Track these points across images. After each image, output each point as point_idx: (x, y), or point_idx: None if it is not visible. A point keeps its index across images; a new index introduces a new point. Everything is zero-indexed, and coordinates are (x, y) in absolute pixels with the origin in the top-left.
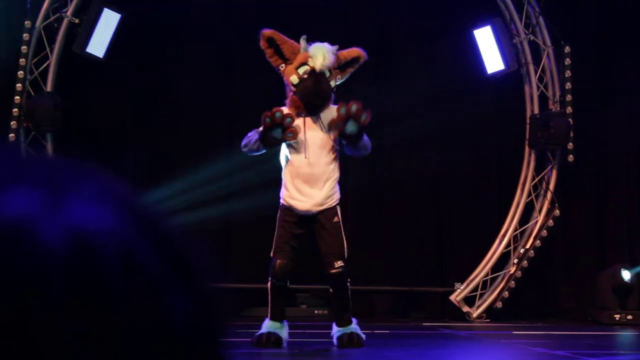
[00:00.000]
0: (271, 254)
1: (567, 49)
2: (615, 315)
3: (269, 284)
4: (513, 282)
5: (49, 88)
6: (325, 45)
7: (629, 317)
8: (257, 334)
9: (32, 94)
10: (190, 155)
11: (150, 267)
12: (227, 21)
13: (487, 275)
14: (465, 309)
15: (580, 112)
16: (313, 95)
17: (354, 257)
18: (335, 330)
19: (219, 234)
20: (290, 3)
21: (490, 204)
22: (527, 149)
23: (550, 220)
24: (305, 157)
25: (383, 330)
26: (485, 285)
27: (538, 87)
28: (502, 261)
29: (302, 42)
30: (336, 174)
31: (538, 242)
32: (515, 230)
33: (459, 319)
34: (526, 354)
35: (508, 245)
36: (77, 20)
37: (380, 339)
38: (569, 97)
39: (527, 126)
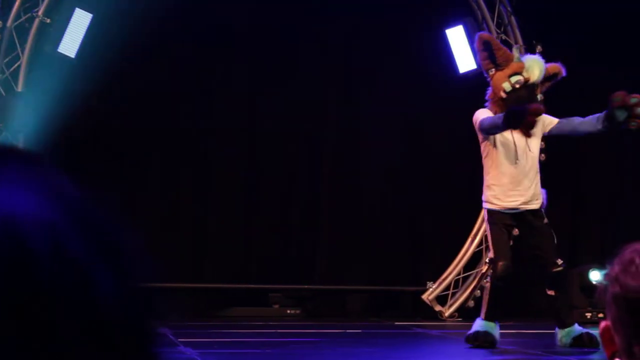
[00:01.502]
0: (491, 256)
1: (539, 48)
2: (587, 314)
3: (489, 284)
4: (485, 281)
5: (20, 88)
6: (540, 59)
7: (600, 315)
8: (471, 332)
9: (3, 94)
10: (163, 153)
11: (78, 251)
12: (203, 19)
13: (459, 274)
14: (438, 308)
15: (552, 111)
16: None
17: (328, 257)
18: (563, 334)
19: (195, 235)
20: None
21: (462, 203)
22: None
23: None
24: (517, 161)
25: (356, 329)
26: (457, 284)
27: None
28: (474, 260)
29: (516, 51)
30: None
31: (510, 241)
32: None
33: (432, 318)
34: (497, 352)
35: (480, 244)
36: (48, 20)
37: (353, 339)
38: (540, 96)
39: None
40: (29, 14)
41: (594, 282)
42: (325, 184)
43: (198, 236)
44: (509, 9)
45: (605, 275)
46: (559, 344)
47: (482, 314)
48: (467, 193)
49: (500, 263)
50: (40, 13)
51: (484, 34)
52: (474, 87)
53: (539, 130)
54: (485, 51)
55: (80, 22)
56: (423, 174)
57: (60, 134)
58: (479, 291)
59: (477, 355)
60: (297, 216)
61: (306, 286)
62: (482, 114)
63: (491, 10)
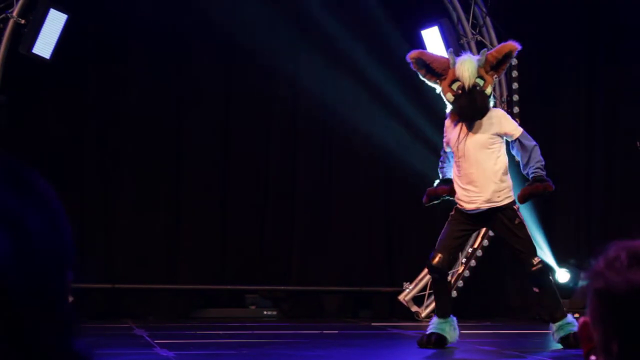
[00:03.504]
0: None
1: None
2: None
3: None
4: (461, 281)
5: None
6: (469, 58)
7: (576, 315)
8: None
9: None
10: (137, 155)
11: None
12: (178, 18)
13: None
14: (414, 308)
15: (526, 112)
16: (470, 113)
17: (304, 258)
18: (555, 329)
19: (170, 237)
20: None
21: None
22: None
23: None
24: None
25: (332, 330)
26: None
27: None
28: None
29: (450, 56)
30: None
31: (486, 242)
32: None
33: (408, 319)
34: (474, 352)
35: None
36: (23, 21)
37: (329, 339)
38: (515, 97)
39: None
40: (4, 15)
41: (563, 283)
42: (300, 184)
43: (173, 238)
44: (484, 9)
45: (589, 271)
46: (553, 339)
47: (435, 312)
48: None
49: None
50: (14, 14)
51: (413, 53)
52: None
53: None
54: (422, 68)
55: (55, 22)
56: (399, 174)
57: (35, 135)
58: (455, 292)
59: (453, 355)
60: (272, 217)
61: (282, 287)
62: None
63: (466, 11)
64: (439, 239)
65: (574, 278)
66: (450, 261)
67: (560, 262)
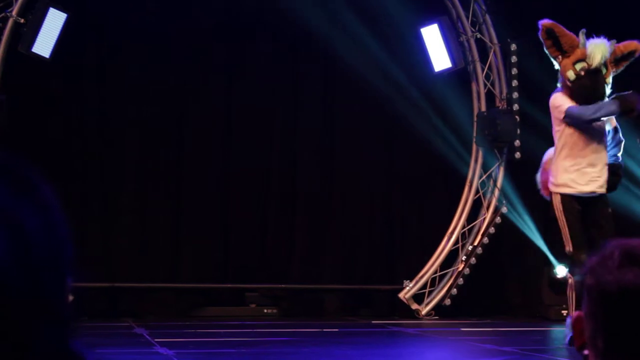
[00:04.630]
0: (569, 249)
1: (513, 47)
2: (563, 312)
3: (572, 280)
4: (461, 279)
5: None
6: (604, 42)
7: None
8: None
9: None
10: (139, 156)
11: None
12: (174, 19)
13: (435, 272)
14: (414, 306)
15: (527, 110)
16: (591, 95)
17: (304, 256)
18: None
19: (171, 236)
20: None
21: (439, 202)
22: (474, 146)
23: (498, 217)
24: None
25: (333, 328)
26: (433, 282)
27: (485, 85)
28: (451, 258)
29: (581, 36)
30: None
31: (486, 239)
32: (463, 227)
33: (408, 317)
34: (474, 350)
35: (456, 242)
36: (22, 20)
37: (330, 337)
38: (515, 95)
39: (474, 124)
40: (3, 14)
41: (560, 278)
42: (301, 183)
43: (174, 236)
44: (483, 7)
45: (583, 268)
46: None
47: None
48: (444, 192)
49: (582, 256)
50: (14, 13)
51: (546, 22)
52: (450, 86)
53: None
54: (550, 39)
55: (54, 22)
56: (399, 172)
57: (35, 134)
58: (455, 289)
59: (453, 353)
60: (273, 216)
61: (283, 285)
62: (562, 100)
63: (466, 9)
64: (572, 235)
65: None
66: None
67: (559, 257)
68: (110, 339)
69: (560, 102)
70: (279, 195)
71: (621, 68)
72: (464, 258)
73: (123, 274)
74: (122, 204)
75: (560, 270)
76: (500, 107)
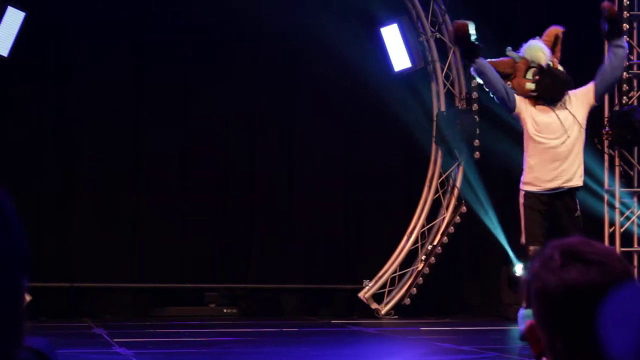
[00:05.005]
0: (522, 241)
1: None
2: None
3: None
4: (421, 278)
5: None
6: (535, 42)
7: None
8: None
9: None
10: (97, 153)
11: None
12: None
13: (395, 272)
14: (374, 306)
15: (486, 109)
16: (561, 87)
17: (263, 255)
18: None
19: (129, 234)
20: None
21: (398, 201)
22: (434, 146)
23: (457, 217)
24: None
25: (292, 328)
26: (393, 282)
27: (444, 85)
28: (410, 258)
29: (511, 53)
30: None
31: (445, 239)
32: (423, 226)
33: (368, 316)
34: (434, 349)
35: (416, 242)
36: None
37: (289, 337)
38: (475, 95)
39: (434, 123)
40: None
41: (518, 276)
42: (259, 182)
43: (132, 236)
44: (442, 7)
45: (526, 272)
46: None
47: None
48: (403, 191)
49: (532, 248)
50: None
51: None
52: (409, 85)
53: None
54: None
55: (13, 20)
56: (358, 172)
57: None
58: (415, 289)
59: (412, 352)
60: (231, 215)
61: (242, 285)
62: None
63: (425, 9)
64: (527, 230)
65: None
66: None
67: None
68: (69, 339)
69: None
70: (237, 193)
71: (559, 54)
72: (423, 257)
73: (81, 273)
74: (81, 204)
75: (519, 269)
76: (459, 107)
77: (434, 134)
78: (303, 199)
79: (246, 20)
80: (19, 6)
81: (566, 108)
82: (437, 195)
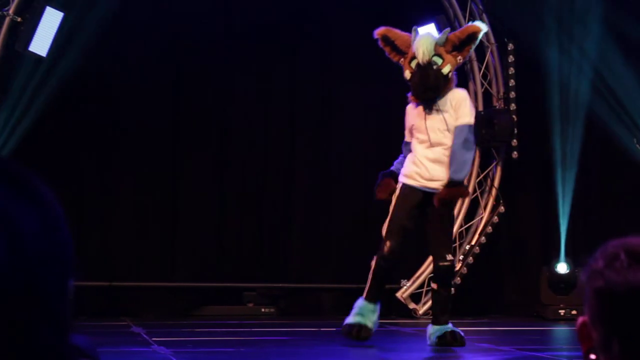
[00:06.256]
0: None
1: (510, 46)
2: (560, 311)
3: (374, 263)
4: (459, 278)
5: None
6: (427, 35)
7: (573, 312)
8: (345, 323)
9: None
10: (136, 154)
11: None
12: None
13: None
14: (412, 305)
15: (524, 109)
16: (420, 89)
17: (301, 255)
18: (433, 331)
19: (169, 234)
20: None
21: None
22: None
23: (495, 217)
24: (431, 144)
25: (330, 327)
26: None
27: (482, 84)
28: None
29: (413, 33)
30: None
31: (483, 239)
32: (461, 227)
33: (406, 316)
34: (471, 349)
35: (453, 242)
36: (19, 19)
37: (327, 336)
38: (512, 94)
39: None
40: (0, 13)
41: (562, 274)
42: (298, 182)
43: (171, 235)
44: (480, 6)
45: (587, 270)
46: (428, 341)
47: (364, 293)
48: None
49: (388, 243)
50: (11, 12)
51: (380, 30)
52: None
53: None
54: (387, 45)
55: (51, 20)
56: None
57: (33, 132)
58: (452, 289)
59: (450, 352)
60: (270, 215)
61: (280, 285)
62: (407, 115)
63: (463, 8)
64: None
65: (575, 273)
66: (404, 245)
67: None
68: (108, 337)
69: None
70: (276, 194)
71: (467, 54)
72: (461, 257)
73: (121, 273)
74: (120, 204)
75: (562, 268)
76: (497, 107)
77: None
78: (342, 199)
79: (284, 29)
80: (57, 6)
81: (439, 113)
82: (474, 195)
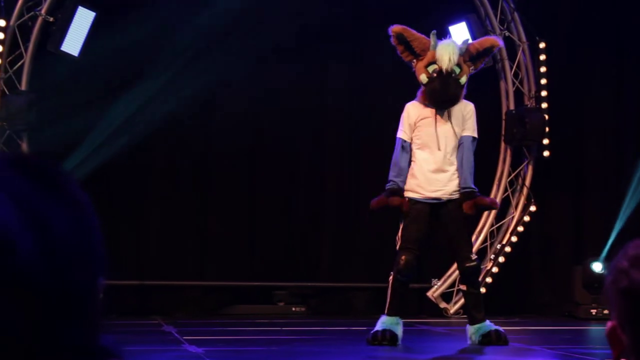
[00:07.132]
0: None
1: (542, 45)
2: (592, 310)
3: (391, 278)
4: (490, 277)
5: (23, 87)
6: (452, 43)
7: (605, 311)
8: (372, 331)
9: (7, 92)
10: (165, 155)
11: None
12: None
13: None
14: (443, 305)
15: (555, 108)
16: (441, 98)
17: (332, 254)
18: (474, 330)
19: (199, 233)
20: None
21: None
22: (502, 144)
23: (527, 216)
24: (439, 149)
25: (361, 327)
26: None
27: (513, 83)
28: (479, 257)
29: (432, 38)
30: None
31: (514, 238)
32: (492, 226)
33: (436, 315)
34: (502, 349)
35: (485, 241)
36: (51, 19)
37: (358, 335)
38: (544, 93)
39: (503, 122)
40: (32, 13)
41: (598, 273)
42: (329, 181)
43: (202, 234)
44: (512, 5)
45: (612, 271)
46: (469, 342)
47: (385, 310)
48: None
49: (404, 257)
50: (43, 12)
51: (396, 27)
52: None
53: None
54: (401, 44)
55: (83, 20)
56: None
57: (63, 133)
58: (484, 288)
59: (481, 351)
60: (301, 214)
61: (311, 283)
62: (405, 111)
63: (494, 7)
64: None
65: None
66: (419, 256)
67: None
68: (139, 336)
69: (401, 120)
70: (307, 192)
71: (481, 65)
72: (492, 257)
73: (152, 272)
74: (152, 203)
75: (597, 267)
76: (528, 106)
77: (503, 132)
78: (372, 197)
79: (316, 38)
80: (89, 6)
81: (449, 121)
82: (506, 194)
